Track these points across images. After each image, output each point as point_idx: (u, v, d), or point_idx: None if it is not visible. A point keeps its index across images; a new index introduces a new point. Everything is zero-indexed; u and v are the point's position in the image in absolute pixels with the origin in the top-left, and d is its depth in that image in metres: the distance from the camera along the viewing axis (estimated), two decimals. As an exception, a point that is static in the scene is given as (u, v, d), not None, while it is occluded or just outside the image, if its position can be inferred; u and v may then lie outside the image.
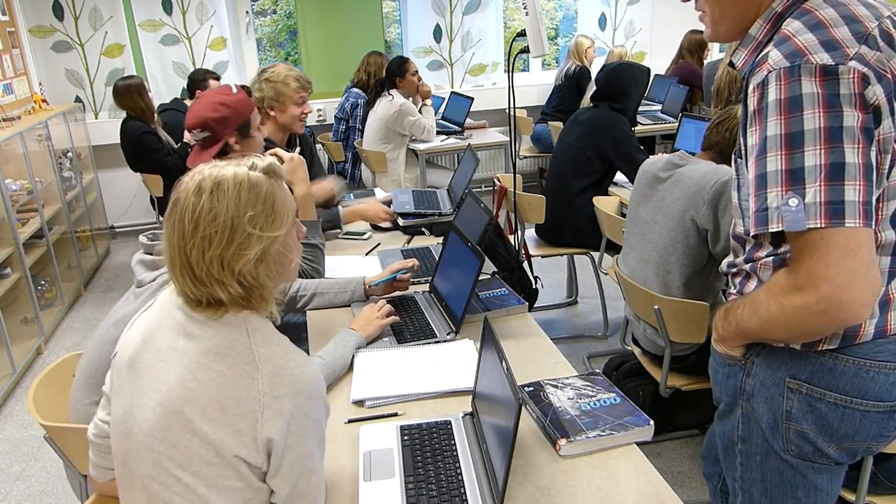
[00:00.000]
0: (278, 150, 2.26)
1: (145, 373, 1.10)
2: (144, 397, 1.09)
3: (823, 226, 0.93)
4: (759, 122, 0.99)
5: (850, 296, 0.93)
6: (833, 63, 0.93)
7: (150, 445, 1.07)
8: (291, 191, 1.21)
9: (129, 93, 4.00)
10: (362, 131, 4.63)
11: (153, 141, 3.98)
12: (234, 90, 2.14)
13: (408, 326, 1.88)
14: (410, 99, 4.45)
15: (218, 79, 4.52)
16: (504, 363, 1.20)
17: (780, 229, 0.96)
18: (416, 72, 4.47)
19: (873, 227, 0.95)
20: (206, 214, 1.05)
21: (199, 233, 1.05)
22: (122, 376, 1.14)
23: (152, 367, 1.10)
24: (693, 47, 5.38)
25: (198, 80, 4.39)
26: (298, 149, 2.78)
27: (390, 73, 4.40)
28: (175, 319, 1.11)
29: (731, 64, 1.15)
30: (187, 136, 4.13)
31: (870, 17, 0.99)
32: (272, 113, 2.60)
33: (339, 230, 2.71)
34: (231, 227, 1.05)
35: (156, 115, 4.12)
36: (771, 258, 1.09)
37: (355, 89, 4.86)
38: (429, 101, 4.62)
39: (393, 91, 4.36)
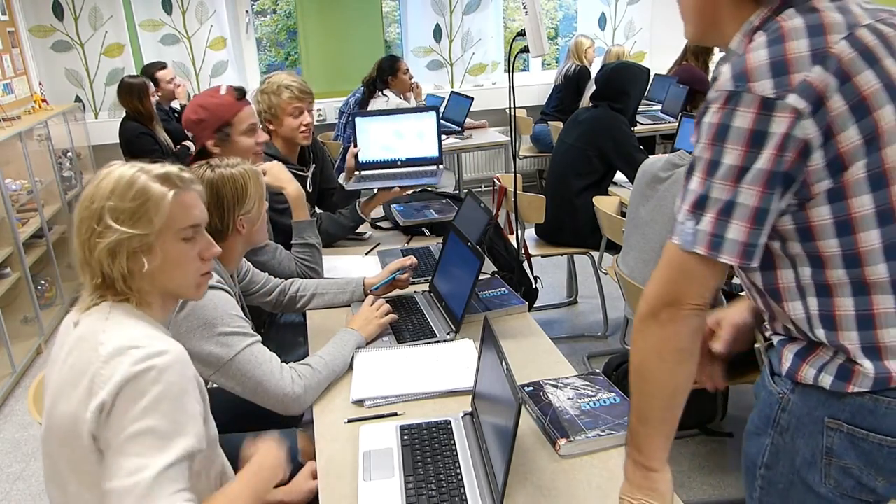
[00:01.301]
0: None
1: (48, 384, 1.15)
2: (46, 403, 1.13)
3: (704, 253, 0.96)
4: (696, 136, 1.00)
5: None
6: (773, 97, 0.91)
7: (45, 456, 1.12)
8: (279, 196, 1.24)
9: (130, 93, 4.01)
10: None
11: (149, 142, 3.98)
12: (223, 91, 2.10)
13: (407, 326, 1.88)
14: (402, 97, 4.45)
15: (164, 67, 4.58)
16: (504, 363, 1.20)
17: (676, 242, 1.00)
18: (408, 70, 4.47)
19: (752, 265, 0.98)
20: (86, 201, 1.12)
21: (78, 216, 1.11)
22: (47, 376, 1.19)
23: (50, 375, 1.15)
24: (699, 50, 5.34)
25: (149, 76, 4.41)
26: (314, 166, 2.64)
27: (382, 73, 4.40)
28: (68, 328, 1.16)
29: (714, 79, 1.09)
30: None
31: (841, 26, 0.93)
32: (271, 127, 2.46)
33: (365, 222, 2.61)
34: (98, 215, 1.10)
35: (155, 117, 4.11)
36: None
37: (364, 87, 4.89)
38: (423, 102, 4.63)
39: (386, 91, 4.36)
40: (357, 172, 2.66)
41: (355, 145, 2.66)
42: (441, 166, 2.72)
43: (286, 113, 2.42)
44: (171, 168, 1.18)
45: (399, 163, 2.70)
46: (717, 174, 0.95)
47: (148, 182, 1.13)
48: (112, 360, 1.04)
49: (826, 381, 1.03)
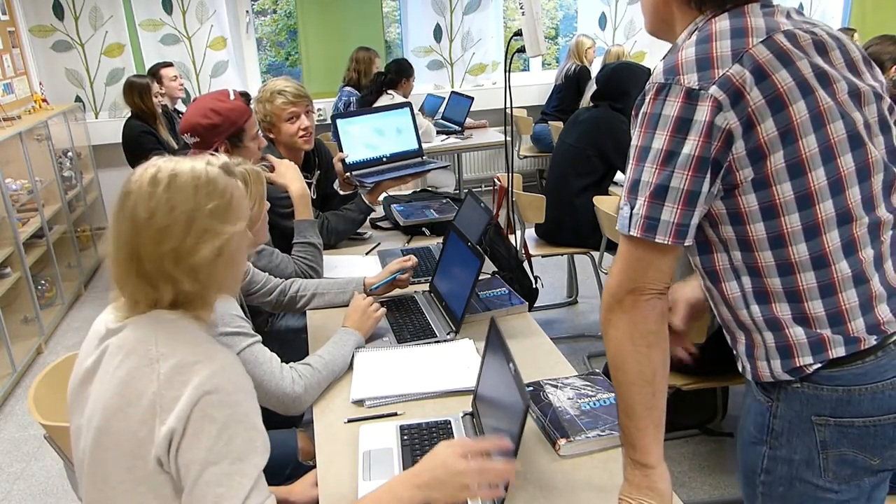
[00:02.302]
0: (268, 156, 2.23)
1: (88, 394, 1.09)
2: (85, 419, 1.08)
3: (639, 236, 1.03)
4: (633, 127, 1.08)
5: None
6: (697, 88, 0.99)
7: (89, 468, 1.07)
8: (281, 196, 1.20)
9: (131, 92, 4.02)
10: None
11: (150, 141, 3.99)
12: (231, 96, 2.08)
13: (407, 326, 1.88)
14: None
15: (170, 65, 4.59)
16: (511, 364, 1.20)
17: (616, 228, 1.07)
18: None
19: (685, 243, 1.04)
20: (162, 205, 1.01)
21: (155, 224, 1.01)
22: (73, 394, 1.13)
23: (88, 384, 1.09)
24: None
25: (152, 75, 4.41)
26: (318, 172, 2.64)
27: (396, 74, 4.48)
28: (99, 335, 1.10)
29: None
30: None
31: (761, 30, 1.02)
32: (271, 135, 2.45)
33: (373, 211, 2.61)
34: (188, 219, 1.02)
35: (158, 116, 4.11)
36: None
37: (347, 88, 4.90)
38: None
39: (391, 91, 4.44)
40: (348, 175, 2.63)
41: (340, 150, 2.65)
42: (425, 157, 2.76)
43: (282, 119, 2.41)
44: (222, 157, 1.13)
45: (384, 159, 2.72)
46: (647, 158, 1.03)
47: (223, 176, 1.07)
48: (174, 380, 0.98)
49: (777, 367, 1.10)
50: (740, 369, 1.18)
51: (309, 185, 2.56)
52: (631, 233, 1.04)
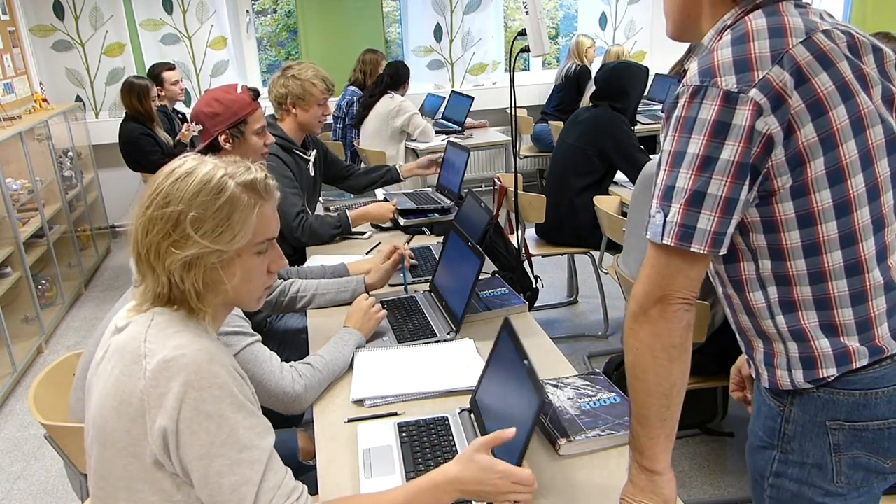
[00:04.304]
0: None
1: (92, 392, 1.10)
2: (90, 416, 1.09)
3: (673, 244, 1.00)
4: (665, 132, 1.04)
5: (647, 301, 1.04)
6: (736, 90, 0.96)
7: (94, 464, 1.08)
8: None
9: (130, 94, 4.01)
10: (359, 129, 4.68)
11: (149, 143, 3.99)
12: (239, 90, 2.11)
13: (408, 326, 1.88)
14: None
15: (172, 68, 4.59)
16: (526, 361, 1.19)
17: (648, 237, 1.03)
18: None
19: (720, 252, 1.01)
20: (160, 197, 1.03)
21: (148, 213, 1.03)
22: (88, 387, 1.14)
23: (93, 382, 1.11)
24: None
25: (153, 76, 4.41)
26: (314, 150, 2.78)
27: (397, 77, 4.51)
28: (111, 331, 1.11)
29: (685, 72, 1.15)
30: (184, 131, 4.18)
31: (800, 30, 0.99)
32: (294, 110, 2.61)
33: (349, 232, 2.68)
34: (175, 219, 1.02)
35: (155, 118, 4.11)
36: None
37: (352, 87, 4.91)
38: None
39: (391, 92, 4.48)
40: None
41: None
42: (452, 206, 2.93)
43: (317, 102, 2.60)
44: (258, 174, 1.09)
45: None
46: (682, 164, 0.99)
47: (236, 192, 1.04)
48: (159, 377, 0.98)
49: (798, 377, 1.08)
50: (754, 375, 1.17)
51: (306, 161, 2.70)
52: (664, 241, 1.00)
